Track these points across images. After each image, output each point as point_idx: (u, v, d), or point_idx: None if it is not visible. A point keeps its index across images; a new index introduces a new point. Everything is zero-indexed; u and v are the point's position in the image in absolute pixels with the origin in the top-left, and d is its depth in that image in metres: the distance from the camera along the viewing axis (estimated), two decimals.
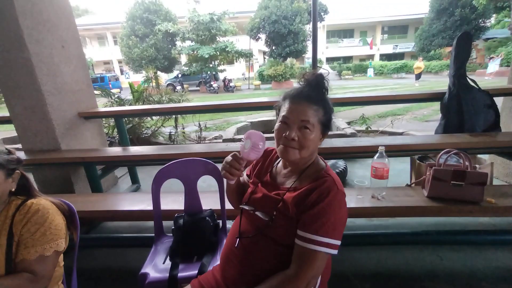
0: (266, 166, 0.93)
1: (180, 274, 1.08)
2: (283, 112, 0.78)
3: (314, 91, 0.78)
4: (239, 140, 0.93)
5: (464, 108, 2.13)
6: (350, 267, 1.60)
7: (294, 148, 0.76)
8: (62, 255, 0.94)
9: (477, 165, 1.51)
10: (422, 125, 5.33)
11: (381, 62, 22.57)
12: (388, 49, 25.82)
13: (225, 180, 0.90)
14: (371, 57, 25.79)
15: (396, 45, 25.72)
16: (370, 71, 20.79)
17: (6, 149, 0.88)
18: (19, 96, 2.14)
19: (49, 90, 2.17)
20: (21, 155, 2.26)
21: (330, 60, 26.06)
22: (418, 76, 13.92)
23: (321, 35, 25.41)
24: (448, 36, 17.76)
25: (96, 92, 3.42)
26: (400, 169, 2.59)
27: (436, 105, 2.41)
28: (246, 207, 0.86)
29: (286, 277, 0.71)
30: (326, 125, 0.79)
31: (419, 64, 13.75)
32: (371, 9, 25.26)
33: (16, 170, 0.88)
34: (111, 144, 3.61)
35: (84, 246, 1.81)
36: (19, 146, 2.35)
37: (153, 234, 1.35)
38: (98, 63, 26.13)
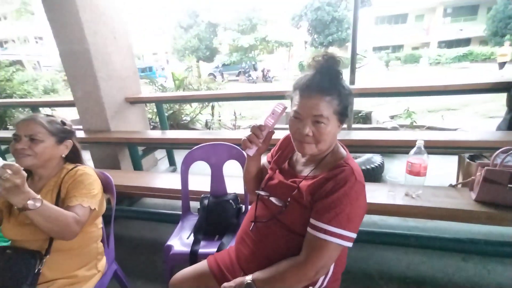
0: (286, 153, 0.92)
1: (201, 250, 1.15)
2: (294, 106, 0.74)
3: (325, 78, 0.70)
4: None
5: None
6: (376, 266, 1.51)
7: (310, 143, 0.74)
8: (101, 218, 1.07)
9: None
10: (484, 122, 4.62)
11: (439, 50, 19.96)
12: (450, 34, 22.53)
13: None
14: (426, 44, 22.93)
15: (461, 29, 22.31)
16: (424, 61, 18.55)
17: (61, 121, 1.02)
18: (80, 82, 2.44)
19: (102, 77, 2.43)
20: (81, 134, 2.61)
21: (377, 49, 23.91)
22: (502, 65, 11.39)
23: (368, 22, 23.37)
24: None
25: (143, 80, 3.73)
26: (447, 169, 2.32)
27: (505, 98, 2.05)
28: (262, 193, 0.87)
29: (296, 263, 0.71)
30: (343, 114, 0.74)
31: (504, 50, 11.18)
32: None
33: (68, 139, 1.02)
34: (154, 128, 3.92)
35: (125, 217, 2.05)
36: (69, 122, 2.70)
37: (181, 212, 1.45)
38: (147, 53, 28.21)
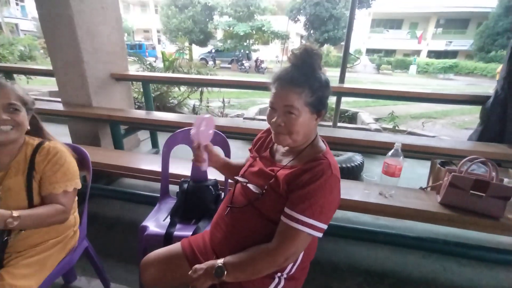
0: (267, 142, 0.93)
1: (176, 233, 1.15)
2: (270, 97, 0.77)
3: (298, 71, 0.73)
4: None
5: (509, 116, 1.91)
6: (345, 259, 1.59)
7: (283, 133, 0.76)
8: (76, 202, 1.04)
9: (505, 178, 1.38)
10: (460, 132, 4.89)
11: (427, 59, 20.59)
12: (440, 45, 23.33)
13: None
14: (417, 52, 23.58)
15: (450, 42, 23.11)
16: (413, 68, 19.11)
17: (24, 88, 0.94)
18: (61, 51, 2.29)
19: (86, 49, 2.30)
20: (59, 106, 2.49)
21: (370, 51, 24.28)
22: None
23: (365, 23, 23.56)
24: None
25: (131, 58, 3.58)
26: (420, 173, 2.44)
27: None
28: (241, 179, 0.88)
29: (267, 249, 0.73)
30: (316, 105, 0.74)
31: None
32: None
33: (31, 111, 0.94)
34: (139, 108, 3.80)
35: (102, 196, 2.01)
36: (59, 99, 2.57)
37: (159, 195, 1.44)
38: (138, 30, 26.96)
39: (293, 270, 0.83)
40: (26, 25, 21.81)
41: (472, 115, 6.04)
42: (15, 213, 0.79)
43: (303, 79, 0.72)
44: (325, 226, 0.72)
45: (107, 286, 1.29)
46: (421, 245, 1.53)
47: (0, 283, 0.79)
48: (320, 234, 0.72)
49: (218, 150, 1.06)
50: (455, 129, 5.13)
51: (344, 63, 2.61)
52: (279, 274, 0.81)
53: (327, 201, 0.71)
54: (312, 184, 0.70)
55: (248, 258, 0.74)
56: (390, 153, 1.38)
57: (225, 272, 0.72)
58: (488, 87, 12.46)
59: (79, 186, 0.96)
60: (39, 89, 5.33)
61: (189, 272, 0.75)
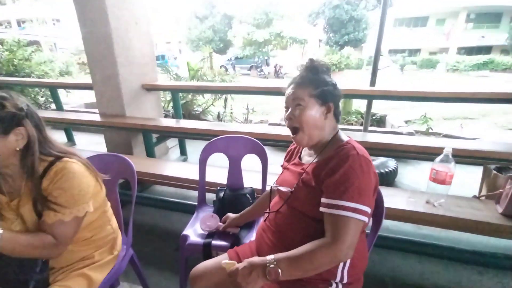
0: (296, 151, 0.99)
1: (214, 242, 1.14)
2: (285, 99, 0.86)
3: (303, 75, 0.84)
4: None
5: None
6: (390, 272, 1.48)
7: (296, 126, 0.81)
8: (106, 201, 0.99)
9: None
10: (504, 133, 4.48)
11: (458, 56, 19.35)
12: (471, 41, 21.83)
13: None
14: (444, 50, 22.24)
15: (483, 36, 21.56)
16: (441, 67, 18.01)
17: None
18: (100, 65, 2.45)
19: (121, 62, 2.43)
20: (97, 117, 2.63)
21: (393, 52, 23.33)
22: None
23: (387, 23, 22.71)
24: None
25: (157, 68, 3.73)
26: (465, 179, 2.25)
27: None
28: (272, 185, 0.94)
29: (324, 243, 0.69)
30: (322, 97, 0.80)
31: None
32: None
33: (18, 126, 0.76)
34: (165, 117, 3.93)
35: (137, 203, 2.07)
36: (97, 110, 2.73)
37: (196, 203, 1.45)
38: (160, 42, 28.26)
39: (346, 276, 0.78)
40: (63, 43, 23.78)
41: None
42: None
43: (308, 78, 0.83)
44: (368, 209, 0.70)
45: None
46: (477, 260, 1.39)
47: None
48: (366, 218, 0.70)
49: (231, 216, 1.20)
50: (497, 130, 4.72)
51: (375, 65, 2.51)
52: (336, 280, 0.78)
53: (363, 182, 0.70)
54: (341, 168, 0.71)
55: (304, 254, 0.69)
56: (438, 158, 1.27)
57: (279, 270, 0.67)
58: None
59: (81, 214, 0.82)
60: (76, 101, 5.73)
61: (228, 272, 0.70)
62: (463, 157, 1.65)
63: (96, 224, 0.95)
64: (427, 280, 1.44)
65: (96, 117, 2.63)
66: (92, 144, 3.60)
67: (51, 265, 0.87)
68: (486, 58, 17.36)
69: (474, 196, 1.37)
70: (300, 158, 0.93)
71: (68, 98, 5.27)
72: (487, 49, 21.26)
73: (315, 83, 0.81)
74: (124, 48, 2.43)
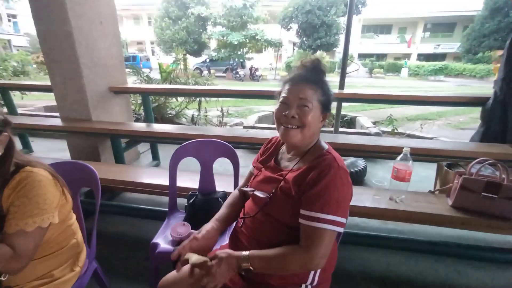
0: (271, 152, 0.95)
1: None
2: (283, 94, 0.80)
3: (311, 73, 0.80)
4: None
5: (510, 116, 1.94)
6: (358, 267, 1.56)
7: (295, 127, 0.77)
8: (72, 214, 0.95)
9: None
10: (456, 132, 4.96)
11: (418, 62, 21.07)
12: (428, 48, 23.96)
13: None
14: (407, 56, 24.14)
15: (439, 45, 23.75)
16: (404, 71, 19.51)
17: None
18: (60, 67, 2.28)
19: (85, 63, 2.29)
20: (58, 122, 2.45)
21: (362, 56, 24.75)
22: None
23: (356, 29, 24.09)
24: (501, 38, 15.97)
25: (127, 70, 3.58)
26: (424, 176, 2.45)
27: (475, 113, 2.22)
28: (247, 189, 0.89)
29: (297, 250, 0.72)
30: (325, 106, 0.80)
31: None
32: (414, 3, 23.28)
33: (4, 132, 0.77)
34: (136, 120, 3.78)
35: (105, 212, 1.95)
36: (58, 114, 2.53)
37: (167, 209, 1.41)
38: (131, 42, 27.09)
39: (316, 279, 0.81)
40: (19, 41, 21.80)
41: (466, 115, 6.14)
42: None
43: (317, 79, 0.79)
44: (344, 220, 0.72)
45: None
46: (434, 250, 1.51)
47: None
48: (341, 229, 0.72)
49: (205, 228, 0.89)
50: (451, 129, 5.20)
51: (344, 69, 2.64)
52: (307, 283, 0.80)
53: (341, 194, 0.72)
54: (322, 180, 0.71)
55: (276, 256, 0.72)
56: (399, 157, 1.38)
57: (250, 267, 0.70)
58: (478, 87, 12.77)
59: (45, 224, 0.77)
60: (34, 104, 5.27)
61: (192, 263, 0.70)
62: (421, 156, 1.79)
63: (60, 238, 0.89)
64: (392, 271, 1.54)
65: (57, 122, 2.45)
66: (52, 151, 3.32)
67: (4, 283, 0.80)
68: (441, 64, 19.17)
69: (430, 191, 1.49)
70: (276, 161, 0.90)
71: (24, 100, 4.83)
72: (442, 56, 23.50)
73: (323, 88, 0.79)
74: (88, 48, 2.29)
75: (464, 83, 13.44)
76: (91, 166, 1.09)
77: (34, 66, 11.81)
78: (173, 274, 0.89)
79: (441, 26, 24.40)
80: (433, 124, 5.22)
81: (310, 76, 0.79)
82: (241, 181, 1.05)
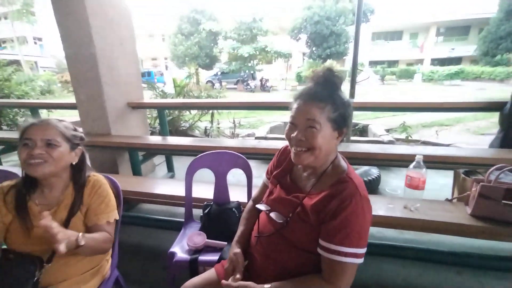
0: (286, 167, 0.90)
1: (201, 258, 1.15)
2: (291, 113, 0.77)
3: (321, 88, 0.74)
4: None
5: None
6: (374, 277, 1.53)
7: (304, 149, 0.74)
8: None
9: None
10: (475, 138, 4.77)
11: (432, 67, 20.60)
12: (442, 52, 23.41)
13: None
14: (420, 61, 23.68)
15: (453, 48, 23.19)
16: (418, 77, 19.09)
17: (74, 127, 1.00)
18: (84, 86, 2.45)
19: (106, 82, 2.45)
20: None
21: (373, 63, 24.53)
22: None
23: (366, 37, 24.04)
24: None
25: (143, 85, 3.78)
26: (442, 184, 2.38)
27: (495, 117, 2.14)
28: (262, 207, 0.87)
29: (321, 284, 0.71)
30: (338, 122, 0.74)
31: None
32: (425, 8, 23.04)
33: (79, 146, 0.99)
34: (152, 133, 3.93)
35: (123, 222, 2.02)
36: (81, 129, 2.69)
37: (183, 219, 1.46)
38: (146, 58, 28.36)
39: None
40: (45, 62, 23.38)
41: (486, 120, 5.90)
42: (81, 234, 0.84)
43: (326, 94, 0.73)
44: (365, 250, 0.70)
45: None
46: (455, 261, 1.47)
47: None
48: (362, 260, 0.70)
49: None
50: (470, 135, 5.01)
51: (353, 77, 2.66)
52: None
53: (363, 225, 0.69)
54: (344, 211, 0.68)
55: (300, 286, 0.73)
56: (412, 165, 1.37)
57: None
58: (499, 90, 12.22)
59: (117, 217, 1.01)
60: None
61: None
62: (437, 163, 1.76)
63: None
64: (409, 283, 1.50)
65: None
66: None
67: (41, 283, 0.87)
68: (457, 68, 18.60)
69: (447, 199, 1.45)
70: (292, 179, 0.86)
71: (50, 117, 5.15)
72: (457, 60, 22.83)
73: (334, 103, 0.73)
74: (109, 68, 2.46)
75: (483, 87, 12.94)
76: (112, 178, 1.16)
77: (59, 85, 12.60)
78: (191, 282, 0.92)
79: (455, 30, 23.88)
80: (450, 130, 5.05)
81: (319, 91, 0.74)
82: (254, 191, 1.07)
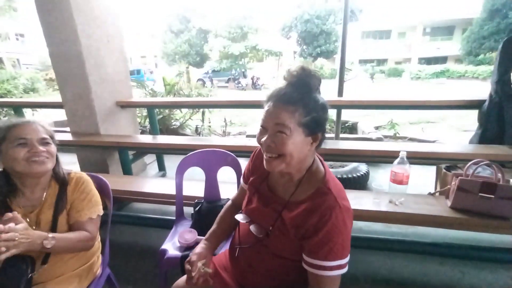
0: (261, 173, 0.84)
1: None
2: (262, 116, 0.72)
3: (292, 89, 0.68)
4: None
5: (506, 118, 1.97)
6: (362, 270, 1.58)
7: (275, 157, 0.69)
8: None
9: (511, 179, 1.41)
10: (459, 135, 4.96)
11: (419, 65, 21.14)
12: (429, 52, 24.05)
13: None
14: (408, 60, 24.25)
15: (439, 48, 23.88)
16: (406, 75, 19.57)
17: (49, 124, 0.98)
18: (70, 84, 2.40)
19: (94, 80, 2.41)
20: (68, 136, 2.55)
21: (363, 62, 24.96)
22: None
23: (355, 36, 24.39)
24: (501, 40, 15.92)
25: (132, 83, 3.73)
26: (425, 179, 2.47)
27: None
28: (242, 220, 0.84)
29: None
30: (311, 127, 0.68)
31: None
32: (412, 9, 23.58)
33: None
34: (142, 132, 3.89)
35: (115, 222, 2.02)
36: (68, 128, 2.65)
37: (174, 217, 1.47)
38: (135, 56, 27.83)
39: None
40: (27, 59, 22.56)
41: (469, 118, 6.14)
42: (51, 235, 0.83)
43: (297, 97, 0.67)
44: (348, 258, 0.70)
45: None
46: (438, 251, 1.53)
47: None
48: (346, 269, 0.70)
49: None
50: (454, 132, 5.20)
51: (341, 76, 2.71)
52: None
53: (345, 237, 0.68)
54: (325, 226, 0.66)
55: None
56: (396, 161, 1.42)
57: None
58: (481, 90, 12.65)
59: (101, 212, 1.01)
60: (45, 120, 5.45)
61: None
62: (420, 159, 1.83)
63: None
64: (395, 274, 1.56)
65: (68, 136, 2.55)
66: (63, 164, 3.42)
67: (34, 281, 0.88)
68: (443, 67, 19.20)
69: (429, 193, 1.52)
70: (269, 186, 0.82)
71: (35, 117, 5.01)
72: (443, 59, 23.50)
73: (305, 107, 0.67)
74: (96, 66, 2.42)
75: (467, 85, 13.41)
76: (102, 177, 1.16)
77: (43, 83, 12.21)
78: (183, 279, 0.94)
79: (440, 30, 24.58)
80: (435, 127, 5.22)
81: (290, 93, 0.67)
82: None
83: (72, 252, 0.94)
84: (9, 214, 0.76)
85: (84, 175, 1.02)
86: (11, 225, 0.73)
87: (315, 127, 0.69)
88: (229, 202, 1.03)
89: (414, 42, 24.24)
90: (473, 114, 2.20)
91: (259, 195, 0.83)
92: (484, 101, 2.07)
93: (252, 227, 0.79)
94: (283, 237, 0.74)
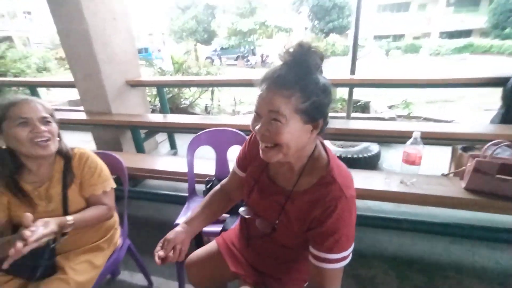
0: (260, 161, 0.76)
1: (204, 229, 1.21)
2: (255, 100, 0.64)
3: (288, 71, 0.59)
4: None
5: None
6: (370, 247, 1.62)
7: (271, 146, 0.63)
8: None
9: None
10: (480, 114, 4.73)
11: (439, 40, 19.81)
12: (452, 25, 22.34)
13: None
14: (427, 35, 22.71)
15: (463, 21, 22.11)
16: (424, 51, 18.44)
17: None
18: (80, 63, 2.40)
19: (102, 59, 2.39)
20: (83, 115, 2.61)
21: (378, 37, 23.58)
22: None
23: (370, 9, 22.81)
24: None
25: (140, 62, 3.70)
26: (440, 160, 2.41)
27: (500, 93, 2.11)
28: (245, 215, 0.82)
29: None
30: (310, 113, 0.60)
31: None
32: None
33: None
34: (153, 111, 3.91)
35: (130, 197, 2.11)
36: (82, 108, 2.70)
37: (187, 194, 1.52)
38: (142, 34, 27.31)
39: None
40: (37, 38, 22.55)
41: (491, 96, 5.81)
42: (69, 218, 0.86)
43: (293, 80, 0.58)
44: (352, 248, 0.68)
45: (149, 279, 1.39)
46: (448, 231, 1.54)
47: (64, 277, 0.87)
48: (349, 259, 0.67)
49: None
50: (474, 111, 4.97)
51: (354, 53, 2.58)
52: None
53: (350, 227, 0.66)
54: (330, 218, 0.63)
55: None
56: (409, 141, 1.39)
57: None
58: (507, 66, 11.86)
59: (114, 185, 1.04)
60: (58, 100, 5.56)
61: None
62: (435, 139, 1.78)
63: None
64: (403, 252, 1.59)
65: (82, 115, 2.61)
66: (80, 142, 3.54)
67: (58, 251, 0.94)
68: (466, 41, 17.89)
69: (443, 174, 1.49)
70: (269, 176, 0.78)
71: (49, 96, 5.11)
72: (467, 33, 21.82)
73: (303, 90, 0.58)
74: (104, 44, 2.39)
75: (491, 61, 12.52)
76: (116, 155, 1.20)
77: (55, 61, 12.29)
78: (196, 253, 0.99)
79: (466, 0, 22.61)
80: (453, 106, 5.00)
81: (285, 76, 0.58)
82: None
83: (95, 225, 0.99)
84: (29, 215, 0.76)
85: (87, 150, 1.01)
86: (33, 228, 0.75)
87: (315, 113, 0.61)
88: (218, 187, 0.96)
89: (435, 14, 22.50)
90: (497, 92, 2.08)
91: (260, 186, 0.78)
92: (509, 78, 1.94)
93: (257, 223, 0.78)
94: (288, 230, 0.72)
